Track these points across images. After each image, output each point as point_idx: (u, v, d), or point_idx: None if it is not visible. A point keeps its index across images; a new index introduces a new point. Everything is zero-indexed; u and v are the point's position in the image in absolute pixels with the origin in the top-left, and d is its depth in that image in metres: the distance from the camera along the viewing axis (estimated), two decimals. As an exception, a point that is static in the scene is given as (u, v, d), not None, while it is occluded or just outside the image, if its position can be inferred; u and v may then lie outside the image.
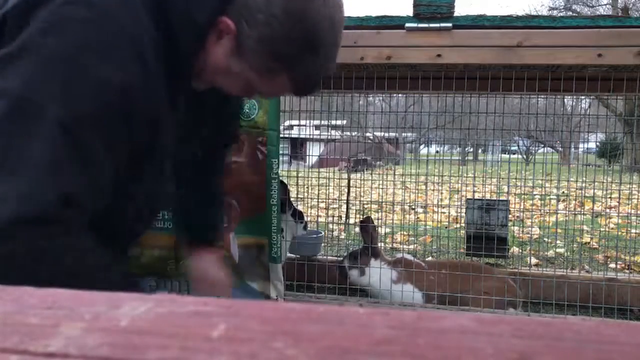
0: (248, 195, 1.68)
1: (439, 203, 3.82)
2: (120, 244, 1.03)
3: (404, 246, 3.12)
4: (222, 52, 0.92)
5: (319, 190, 2.83)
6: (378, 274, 1.99)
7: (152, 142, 0.88)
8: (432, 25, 1.53)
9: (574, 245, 3.24)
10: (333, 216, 4.05)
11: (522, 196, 3.56)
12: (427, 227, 3.83)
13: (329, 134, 3.59)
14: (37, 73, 0.73)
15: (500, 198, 2.75)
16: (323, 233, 2.72)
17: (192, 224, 1.28)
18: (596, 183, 2.35)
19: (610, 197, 2.81)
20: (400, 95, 2.82)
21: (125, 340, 0.23)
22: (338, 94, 2.35)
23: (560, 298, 2.08)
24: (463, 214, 2.86)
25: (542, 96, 2.21)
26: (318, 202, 2.98)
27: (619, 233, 2.87)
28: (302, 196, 2.50)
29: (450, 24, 1.53)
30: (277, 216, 1.68)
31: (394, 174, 3.23)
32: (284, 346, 0.22)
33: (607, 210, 3.73)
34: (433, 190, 3.66)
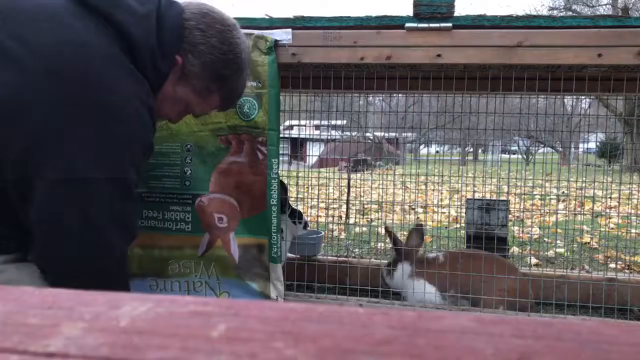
0: (248, 195, 1.68)
1: (439, 203, 3.81)
2: None
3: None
4: (171, 83, 1.15)
5: (319, 190, 2.83)
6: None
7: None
8: (432, 25, 1.53)
9: (574, 245, 3.24)
10: (333, 216, 4.06)
11: (522, 196, 3.56)
12: (427, 227, 3.83)
13: (329, 134, 3.59)
14: None
15: (500, 198, 2.75)
16: (323, 233, 2.71)
17: None
18: (596, 183, 2.35)
19: (610, 197, 2.81)
20: (400, 95, 2.81)
21: (125, 340, 0.23)
22: (338, 94, 2.35)
23: (560, 298, 2.08)
24: (463, 214, 2.86)
25: (542, 96, 2.21)
26: (318, 202, 2.98)
27: (619, 233, 2.87)
28: (302, 196, 2.49)
29: (450, 24, 1.53)
30: (277, 216, 1.68)
31: (394, 174, 3.23)
32: (284, 346, 0.22)
33: (607, 210, 3.73)
34: (433, 190, 3.65)
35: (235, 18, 1.23)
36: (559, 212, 3.77)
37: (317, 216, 4.02)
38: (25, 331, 0.24)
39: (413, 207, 4.52)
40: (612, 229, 3.51)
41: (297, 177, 2.42)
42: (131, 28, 1.04)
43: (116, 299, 0.28)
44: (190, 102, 1.20)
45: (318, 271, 2.00)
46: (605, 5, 18.66)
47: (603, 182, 2.49)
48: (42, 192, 0.94)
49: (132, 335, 0.23)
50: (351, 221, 3.69)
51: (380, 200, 3.15)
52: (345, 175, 4.16)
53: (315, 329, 0.24)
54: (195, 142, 1.67)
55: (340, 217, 4.11)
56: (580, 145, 4.97)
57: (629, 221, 3.20)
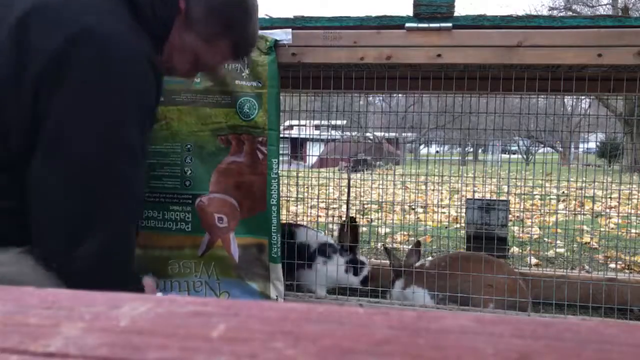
0: (248, 195, 1.68)
1: (439, 203, 3.81)
2: None
3: (404, 246, 3.11)
4: (177, 32, 1.12)
5: (319, 190, 2.83)
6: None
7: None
8: (432, 25, 1.53)
9: (574, 245, 3.24)
10: (333, 216, 4.05)
11: (522, 196, 3.56)
12: (427, 227, 3.83)
13: (329, 134, 3.58)
14: None
15: (500, 198, 2.75)
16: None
17: None
18: (596, 183, 2.35)
19: (610, 197, 2.80)
20: (400, 95, 2.81)
21: (125, 340, 0.23)
22: (338, 94, 2.35)
23: (560, 298, 2.08)
24: (463, 214, 2.86)
25: (542, 96, 2.21)
26: (318, 202, 2.98)
27: (619, 233, 2.87)
28: (302, 196, 2.49)
29: (450, 24, 1.53)
30: (277, 216, 1.68)
31: (394, 174, 3.23)
32: (284, 346, 0.22)
33: (607, 210, 3.73)
34: (433, 190, 3.65)
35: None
36: (559, 212, 3.77)
37: (317, 216, 4.01)
38: (25, 331, 0.24)
39: (413, 207, 4.52)
40: (612, 229, 3.51)
41: (297, 177, 2.42)
42: None
43: (116, 299, 0.27)
44: (199, 50, 1.16)
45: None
46: (605, 5, 18.67)
47: (603, 182, 2.49)
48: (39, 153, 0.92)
49: (131, 335, 0.23)
50: (351, 221, 3.68)
51: (380, 200, 3.14)
52: (345, 175, 4.16)
53: (315, 329, 0.24)
54: (195, 142, 1.67)
55: (340, 217, 4.10)
56: (580, 145, 4.97)
57: (629, 221, 3.20)
